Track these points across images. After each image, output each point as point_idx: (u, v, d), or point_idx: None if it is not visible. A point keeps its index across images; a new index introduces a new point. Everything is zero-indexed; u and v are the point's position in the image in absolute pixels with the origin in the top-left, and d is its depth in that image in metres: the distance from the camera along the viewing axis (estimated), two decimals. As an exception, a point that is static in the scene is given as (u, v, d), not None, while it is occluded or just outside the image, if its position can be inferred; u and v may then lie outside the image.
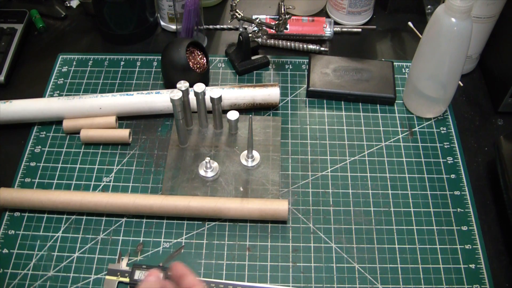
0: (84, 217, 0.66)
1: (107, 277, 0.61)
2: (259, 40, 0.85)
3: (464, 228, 0.66)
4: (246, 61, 0.82)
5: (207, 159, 0.68)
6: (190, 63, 0.76)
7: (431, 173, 0.70)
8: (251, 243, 0.64)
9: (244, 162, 0.70)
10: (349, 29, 0.89)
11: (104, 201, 0.65)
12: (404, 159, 0.72)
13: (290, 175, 0.70)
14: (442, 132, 0.75)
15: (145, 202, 0.64)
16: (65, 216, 0.67)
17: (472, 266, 0.63)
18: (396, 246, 0.64)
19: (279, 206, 0.64)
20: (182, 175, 0.69)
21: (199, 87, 0.67)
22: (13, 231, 0.66)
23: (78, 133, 0.73)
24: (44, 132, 0.75)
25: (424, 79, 0.72)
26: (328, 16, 0.91)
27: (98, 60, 0.84)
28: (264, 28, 0.82)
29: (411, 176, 0.70)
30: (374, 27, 0.89)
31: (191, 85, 0.68)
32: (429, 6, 0.88)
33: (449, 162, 0.72)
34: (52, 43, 0.88)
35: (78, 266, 0.63)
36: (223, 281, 0.61)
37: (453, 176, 0.70)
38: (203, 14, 0.83)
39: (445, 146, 0.73)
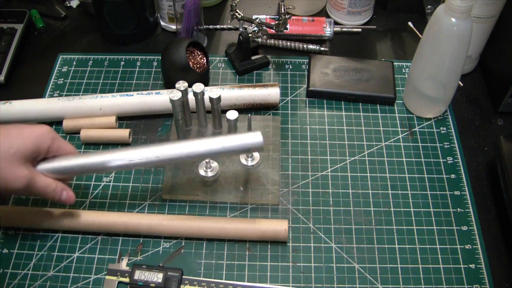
0: (84, 217, 0.66)
1: (107, 277, 0.61)
2: (259, 40, 0.85)
3: (464, 228, 0.66)
4: (246, 61, 0.82)
5: (207, 159, 0.67)
6: (190, 63, 0.76)
7: (431, 173, 0.70)
8: (251, 243, 0.64)
9: (244, 161, 0.70)
10: (349, 29, 0.89)
11: (104, 221, 0.64)
12: (404, 159, 0.72)
13: (290, 175, 0.70)
14: (442, 132, 0.75)
15: (144, 221, 0.64)
16: (65, 216, 0.67)
17: (472, 266, 0.63)
18: (396, 246, 0.64)
19: (279, 227, 0.63)
20: (182, 175, 0.69)
21: (198, 87, 0.67)
22: (13, 231, 0.65)
23: (78, 133, 0.73)
24: (44, 132, 0.75)
25: (424, 79, 0.72)
26: (328, 16, 0.91)
27: (98, 60, 0.84)
28: (264, 28, 0.82)
29: (411, 176, 0.70)
30: (374, 27, 0.89)
31: (190, 85, 0.68)
32: (429, 6, 0.88)
33: (449, 162, 0.72)
34: (52, 43, 0.88)
35: (78, 266, 0.63)
36: (223, 281, 0.61)
37: (453, 176, 0.70)
38: (203, 14, 0.83)
39: (445, 146, 0.73)
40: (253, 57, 0.83)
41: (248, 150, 0.61)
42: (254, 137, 0.60)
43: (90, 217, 0.64)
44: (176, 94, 0.65)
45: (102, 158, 0.60)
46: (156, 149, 0.60)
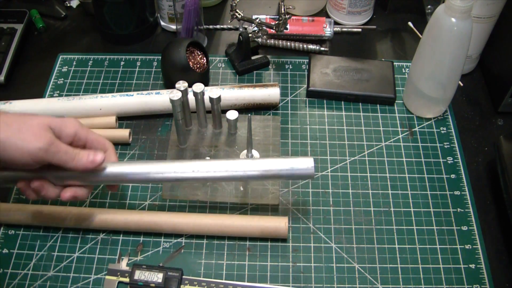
0: (84, 217, 0.66)
1: (107, 277, 0.61)
2: (259, 40, 0.85)
3: (464, 228, 0.66)
4: (246, 61, 0.82)
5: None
6: (190, 63, 0.76)
7: (431, 173, 0.70)
8: (251, 243, 0.64)
9: (244, 162, 0.70)
10: (349, 29, 0.89)
11: (109, 218, 0.64)
12: (404, 159, 0.72)
13: (290, 175, 0.70)
14: (442, 132, 0.75)
15: (145, 218, 0.64)
16: (65, 216, 0.67)
17: (472, 266, 0.63)
18: (396, 246, 0.64)
19: (279, 223, 0.63)
20: (182, 175, 0.69)
21: (198, 87, 0.67)
22: (13, 231, 0.66)
23: (78, 133, 0.73)
24: (44, 132, 0.75)
25: (424, 79, 0.72)
26: (328, 16, 0.91)
27: (98, 60, 0.84)
28: (264, 28, 0.82)
29: (411, 176, 0.70)
30: (374, 27, 0.89)
31: (190, 85, 0.68)
32: (429, 6, 0.88)
33: (449, 162, 0.72)
34: (52, 43, 0.88)
35: (78, 266, 0.63)
36: (223, 281, 0.61)
37: (453, 176, 0.70)
38: (203, 14, 0.83)
39: (445, 146, 0.73)
40: (253, 57, 0.83)
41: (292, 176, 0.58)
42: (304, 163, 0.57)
43: (91, 214, 0.64)
44: (176, 94, 0.65)
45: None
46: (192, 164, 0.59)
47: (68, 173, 0.56)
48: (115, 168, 0.58)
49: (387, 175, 0.70)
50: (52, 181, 0.57)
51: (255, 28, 0.83)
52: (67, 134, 0.56)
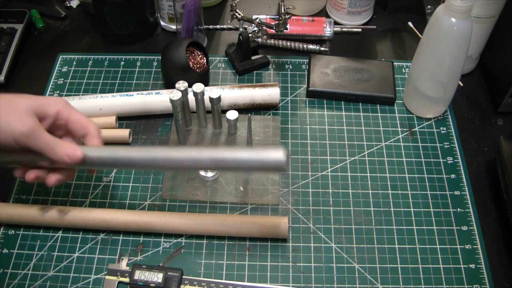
0: (84, 217, 0.66)
1: (107, 277, 0.61)
2: (259, 40, 0.85)
3: (464, 228, 0.66)
4: (246, 61, 0.82)
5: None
6: (190, 63, 0.76)
7: (431, 173, 0.70)
8: (251, 243, 0.64)
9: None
10: (349, 29, 0.89)
11: (108, 218, 0.64)
12: (404, 159, 0.72)
13: (290, 175, 0.70)
14: (442, 132, 0.75)
15: (145, 218, 0.64)
16: (65, 216, 0.67)
17: (472, 266, 0.63)
18: (396, 246, 0.64)
19: (279, 222, 0.63)
20: (182, 175, 0.69)
21: (198, 87, 0.67)
22: (13, 231, 0.66)
23: (78, 133, 0.73)
24: (44, 132, 0.75)
25: (424, 79, 0.72)
26: (328, 16, 0.91)
27: (98, 60, 0.84)
28: (264, 28, 0.82)
29: (411, 176, 0.70)
30: (374, 27, 0.89)
31: (190, 85, 0.68)
32: (429, 6, 0.88)
33: (449, 162, 0.72)
34: (52, 43, 0.88)
35: (78, 266, 0.63)
36: (223, 281, 0.61)
37: (453, 176, 0.70)
38: (203, 14, 0.83)
39: (445, 146, 0.73)
40: (253, 57, 0.83)
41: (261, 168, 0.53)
42: (272, 154, 0.51)
43: (91, 214, 0.64)
44: (176, 94, 0.65)
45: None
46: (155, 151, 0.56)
47: (46, 158, 0.56)
48: (93, 153, 0.56)
49: (387, 175, 0.70)
50: (36, 164, 0.58)
51: (255, 28, 0.83)
52: (49, 115, 0.57)
